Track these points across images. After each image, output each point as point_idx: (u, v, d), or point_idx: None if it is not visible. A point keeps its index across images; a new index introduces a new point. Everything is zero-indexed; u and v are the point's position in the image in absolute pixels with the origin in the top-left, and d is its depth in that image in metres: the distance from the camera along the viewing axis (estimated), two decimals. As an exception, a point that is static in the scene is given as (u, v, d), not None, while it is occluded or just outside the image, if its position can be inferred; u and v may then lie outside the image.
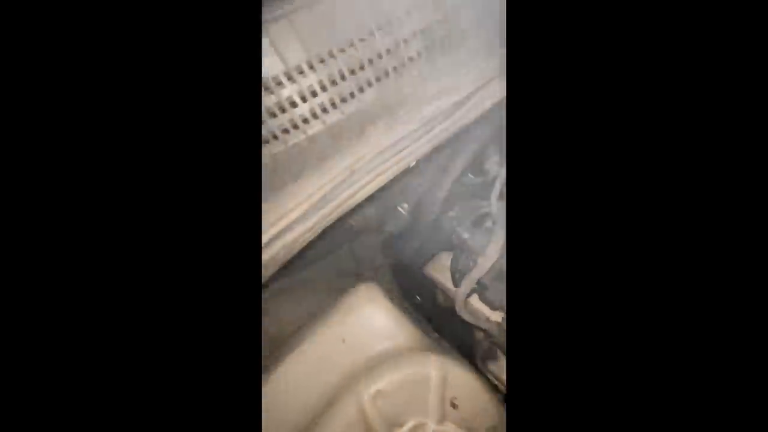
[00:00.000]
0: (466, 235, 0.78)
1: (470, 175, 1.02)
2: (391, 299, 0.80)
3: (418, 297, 1.16)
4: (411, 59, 0.64)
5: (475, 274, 0.71)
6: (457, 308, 0.74)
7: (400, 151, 0.59)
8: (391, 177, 0.59)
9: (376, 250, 1.18)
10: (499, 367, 0.84)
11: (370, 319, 0.70)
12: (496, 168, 0.88)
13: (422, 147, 0.60)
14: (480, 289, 0.75)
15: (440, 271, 1.01)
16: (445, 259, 0.99)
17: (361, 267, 1.16)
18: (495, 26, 0.67)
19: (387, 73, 0.63)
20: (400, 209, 1.09)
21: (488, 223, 0.80)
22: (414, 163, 0.62)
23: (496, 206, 0.76)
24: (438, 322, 1.02)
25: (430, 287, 1.07)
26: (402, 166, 0.60)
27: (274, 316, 0.98)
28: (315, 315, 0.85)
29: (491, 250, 0.71)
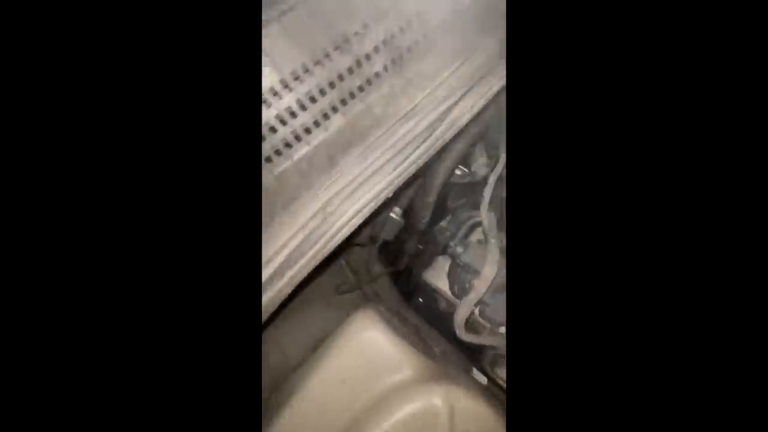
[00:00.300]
0: (459, 249, 0.74)
1: (458, 172, 0.98)
2: (390, 320, 0.77)
3: (420, 299, 1.14)
4: (378, 75, 0.58)
5: (473, 296, 0.67)
6: (457, 333, 0.71)
7: (376, 185, 0.53)
8: (369, 213, 0.54)
9: (373, 259, 1.15)
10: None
11: (369, 354, 0.67)
12: (484, 169, 0.82)
13: (399, 177, 0.54)
14: (480, 306, 0.72)
15: (440, 277, 0.98)
16: (444, 263, 0.96)
17: (360, 279, 1.12)
18: (464, 27, 0.60)
19: (352, 95, 0.57)
20: (392, 215, 1.05)
21: (481, 236, 0.75)
22: (391, 194, 0.56)
23: (487, 219, 0.72)
24: (441, 326, 0.99)
25: (431, 293, 1.04)
26: (381, 199, 0.55)
27: (274, 344, 0.95)
28: (318, 339, 0.83)
29: (487, 271, 0.66)
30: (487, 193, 0.73)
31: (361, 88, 0.58)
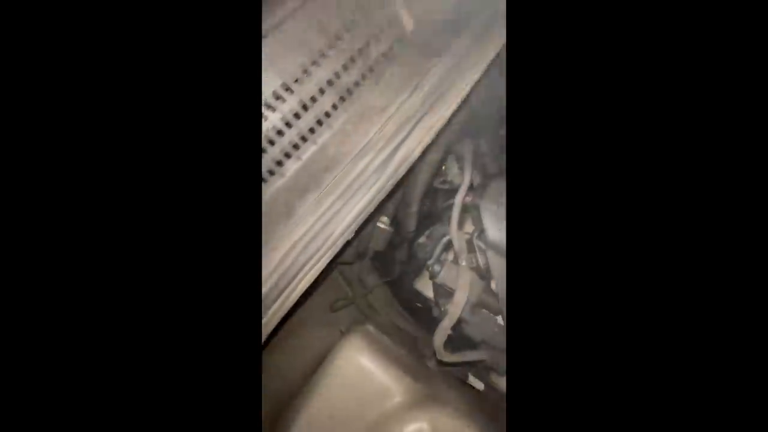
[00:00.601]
0: (437, 268, 0.74)
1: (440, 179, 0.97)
2: (379, 339, 0.78)
3: (418, 304, 1.15)
4: (327, 114, 0.58)
5: (447, 323, 0.68)
6: (438, 357, 0.71)
7: (333, 231, 0.54)
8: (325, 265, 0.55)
9: (366, 271, 1.16)
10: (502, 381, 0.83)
11: (356, 384, 0.68)
12: (459, 178, 0.82)
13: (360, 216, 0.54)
14: (460, 325, 0.72)
15: (430, 286, 0.99)
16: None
17: (354, 293, 1.13)
18: (411, 52, 0.59)
19: (304, 138, 0.57)
20: (380, 225, 1.06)
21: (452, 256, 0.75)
22: (354, 232, 0.57)
23: (457, 240, 0.71)
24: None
25: (424, 301, 1.05)
26: (344, 239, 0.56)
27: (273, 368, 0.98)
28: (317, 360, 0.85)
29: (458, 296, 0.67)
30: (455, 213, 0.72)
31: (312, 130, 0.58)
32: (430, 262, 0.77)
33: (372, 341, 0.76)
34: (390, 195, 0.73)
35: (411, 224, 0.97)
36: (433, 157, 0.88)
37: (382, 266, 1.14)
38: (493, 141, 0.84)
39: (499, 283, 0.67)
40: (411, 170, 0.86)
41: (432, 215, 1.02)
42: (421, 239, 0.83)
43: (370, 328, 0.83)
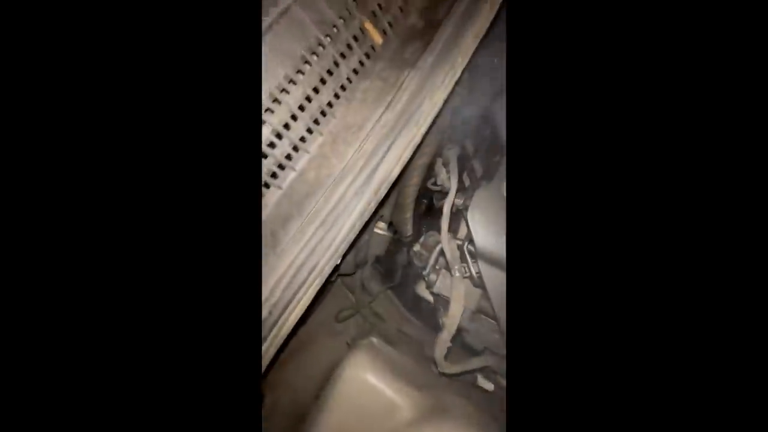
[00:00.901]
0: (433, 277, 0.73)
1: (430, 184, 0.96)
2: (384, 351, 0.78)
3: (422, 307, 1.14)
4: (303, 139, 0.57)
5: (445, 335, 0.67)
6: (440, 369, 0.71)
7: (318, 261, 0.53)
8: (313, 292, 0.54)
9: (368, 278, 1.15)
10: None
11: (362, 403, 0.68)
12: (448, 182, 0.80)
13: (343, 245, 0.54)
14: (461, 334, 0.72)
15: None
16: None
17: (359, 301, 1.13)
18: (383, 66, 0.57)
19: (281, 166, 0.56)
20: (377, 230, 1.05)
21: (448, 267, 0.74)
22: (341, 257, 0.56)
23: (449, 251, 0.70)
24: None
25: (427, 304, 1.04)
26: (331, 265, 0.55)
27: (284, 384, 0.98)
28: (326, 371, 0.85)
29: (453, 308, 0.66)
30: (444, 224, 0.71)
31: (288, 156, 0.57)
32: (425, 273, 0.76)
33: (377, 355, 0.75)
34: (383, 201, 0.73)
35: (407, 229, 0.96)
36: (422, 161, 0.87)
37: (383, 271, 1.14)
38: (479, 143, 0.82)
39: (491, 292, 0.65)
40: (401, 176, 0.85)
41: (428, 216, 1.01)
42: (416, 247, 0.82)
43: (375, 340, 0.83)
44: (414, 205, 0.94)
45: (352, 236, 0.53)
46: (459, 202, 0.81)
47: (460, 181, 0.86)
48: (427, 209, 1.03)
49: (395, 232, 1.02)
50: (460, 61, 0.57)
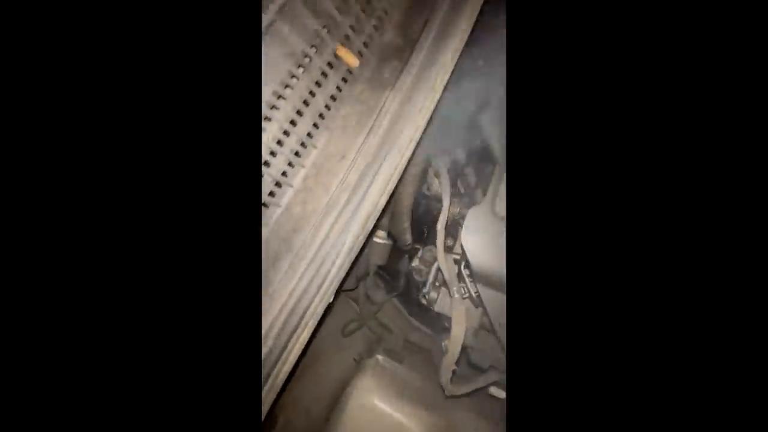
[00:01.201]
0: (433, 295, 0.72)
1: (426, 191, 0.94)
2: (390, 369, 0.77)
3: (428, 313, 1.13)
4: (284, 173, 0.55)
5: (450, 359, 0.66)
6: (447, 392, 0.70)
7: (312, 302, 0.52)
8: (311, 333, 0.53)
9: (373, 287, 1.14)
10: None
11: (371, 428, 0.67)
12: (440, 190, 0.78)
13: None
14: (466, 353, 0.70)
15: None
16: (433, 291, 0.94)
17: (364, 313, 1.12)
18: (362, 89, 0.55)
19: (264, 204, 0.55)
20: (377, 240, 1.04)
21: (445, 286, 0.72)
22: (333, 296, 0.55)
23: (447, 270, 0.68)
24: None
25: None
26: (324, 304, 0.54)
27: (295, 403, 0.98)
28: (337, 388, 0.84)
29: (456, 331, 0.64)
30: (439, 243, 0.69)
31: (272, 193, 0.55)
32: (425, 291, 0.74)
33: (383, 376, 0.75)
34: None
35: (406, 238, 0.95)
36: (415, 170, 0.85)
37: (387, 279, 1.12)
38: (469, 151, 0.79)
39: (491, 312, 0.64)
40: (395, 187, 0.83)
41: (426, 223, 0.99)
42: (415, 262, 0.80)
43: (380, 358, 0.82)
44: (411, 213, 0.92)
45: (343, 274, 0.52)
46: (456, 211, 0.79)
47: (455, 186, 0.84)
48: (423, 216, 1.01)
49: (395, 240, 1.01)
50: (440, 81, 0.55)
